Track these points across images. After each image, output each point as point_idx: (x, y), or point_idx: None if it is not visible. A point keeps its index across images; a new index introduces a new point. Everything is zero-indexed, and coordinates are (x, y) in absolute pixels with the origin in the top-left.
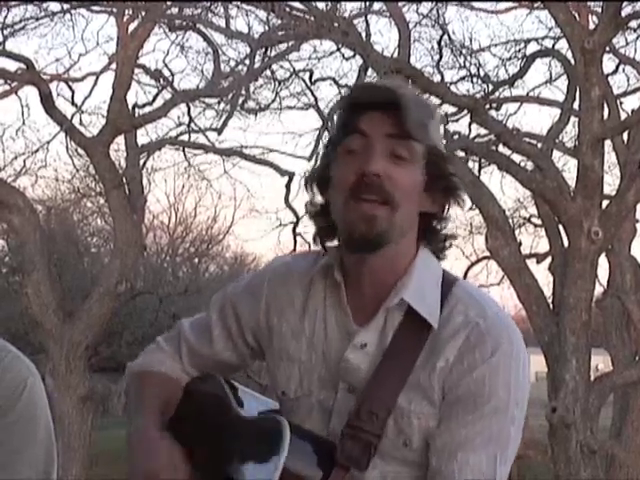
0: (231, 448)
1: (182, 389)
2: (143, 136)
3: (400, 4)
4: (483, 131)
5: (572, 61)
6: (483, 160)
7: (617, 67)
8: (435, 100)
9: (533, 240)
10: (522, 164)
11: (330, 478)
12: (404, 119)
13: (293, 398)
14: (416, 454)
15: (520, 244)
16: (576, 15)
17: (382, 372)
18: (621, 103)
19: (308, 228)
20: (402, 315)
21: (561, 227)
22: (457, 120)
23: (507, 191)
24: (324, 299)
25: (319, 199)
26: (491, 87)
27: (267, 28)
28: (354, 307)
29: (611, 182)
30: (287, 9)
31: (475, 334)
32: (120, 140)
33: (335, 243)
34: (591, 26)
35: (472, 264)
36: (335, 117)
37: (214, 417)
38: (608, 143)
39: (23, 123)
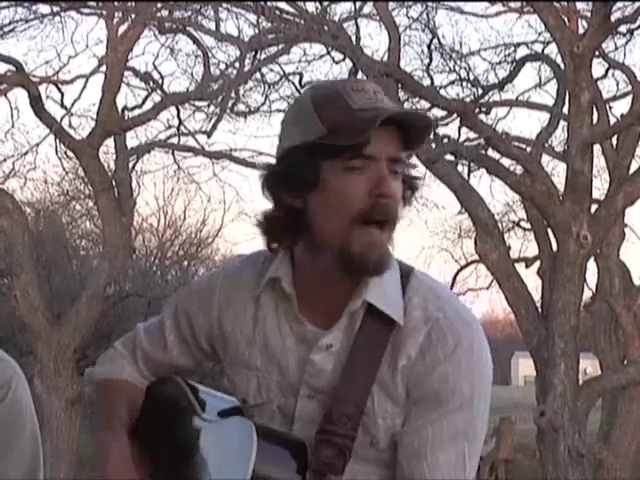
0: (197, 455)
1: (144, 394)
2: (132, 139)
3: (390, 7)
4: (472, 135)
5: (562, 65)
6: (472, 164)
7: (606, 72)
8: (425, 104)
9: (522, 244)
10: (511, 168)
11: None
12: (414, 140)
13: (254, 405)
14: (385, 454)
15: (509, 248)
16: (565, 20)
17: (350, 372)
18: (610, 108)
19: None
20: (364, 313)
21: (550, 231)
22: (447, 124)
23: (496, 195)
24: (275, 310)
25: (293, 203)
26: (481, 91)
27: (257, 31)
28: (310, 312)
29: (600, 186)
30: (277, 12)
31: (436, 330)
32: (109, 143)
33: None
34: (580, 31)
35: (461, 268)
36: (321, 112)
37: (178, 423)
38: (597, 147)
39: (12, 125)
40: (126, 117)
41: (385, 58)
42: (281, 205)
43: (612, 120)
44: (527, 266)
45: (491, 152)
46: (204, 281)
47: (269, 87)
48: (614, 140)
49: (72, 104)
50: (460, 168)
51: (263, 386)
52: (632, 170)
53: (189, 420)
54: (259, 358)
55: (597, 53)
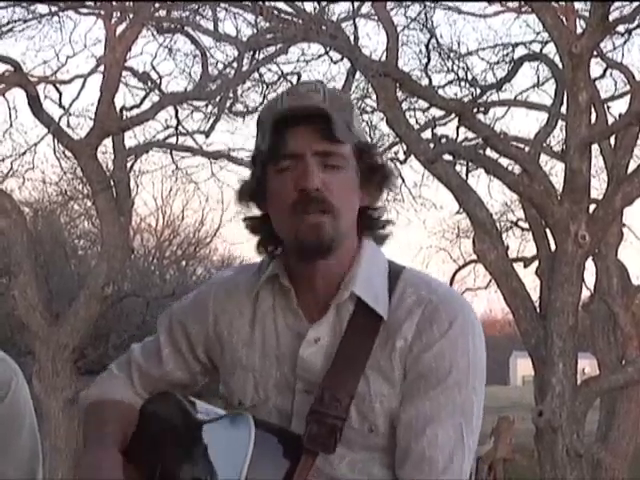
0: (197, 449)
1: (138, 412)
2: (131, 139)
3: (388, 7)
4: (471, 135)
5: (560, 65)
6: (471, 164)
7: (604, 71)
8: (423, 104)
9: (520, 244)
10: (509, 168)
11: (299, 465)
12: (332, 130)
13: (250, 406)
14: (384, 440)
15: (507, 248)
16: (564, 19)
17: (340, 361)
18: (608, 107)
19: None
20: (353, 306)
21: (548, 231)
22: (445, 124)
23: (494, 195)
24: (273, 306)
25: (257, 212)
26: (479, 91)
27: (255, 31)
28: (306, 308)
29: (598, 186)
30: (275, 12)
31: (430, 310)
32: (108, 143)
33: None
34: (579, 30)
35: (459, 268)
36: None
37: (176, 426)
38: (595, 147)
39: (10, 125)
40: (124, 117)
41: (383, 58)
42: (251, 217)
43: (610, 120)
44: (525, 266)
45: (489, 152)
46: (196, 293)
47: (267, 87)
48: (612, 140)
49: (70, 104)
50: (458, 168)
51: (260, 384)
52: (630, 170)
53: (187, 422)
54: (257, 357)
55: (595, 53)
